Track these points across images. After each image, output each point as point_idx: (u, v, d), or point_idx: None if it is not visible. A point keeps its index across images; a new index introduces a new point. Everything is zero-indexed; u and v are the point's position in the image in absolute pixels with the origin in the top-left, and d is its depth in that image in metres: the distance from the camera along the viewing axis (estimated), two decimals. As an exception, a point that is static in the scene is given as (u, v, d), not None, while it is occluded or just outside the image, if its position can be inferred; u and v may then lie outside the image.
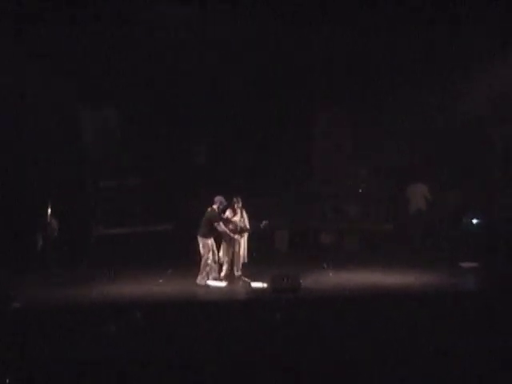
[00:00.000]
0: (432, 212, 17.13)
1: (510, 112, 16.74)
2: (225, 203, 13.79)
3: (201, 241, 13.62)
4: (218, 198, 13.72)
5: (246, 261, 14.10)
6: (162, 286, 13.60)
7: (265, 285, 13.16)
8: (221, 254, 13.92)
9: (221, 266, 13.91)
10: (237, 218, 13.93)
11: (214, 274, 13.72)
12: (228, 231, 13.72)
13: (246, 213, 14.08)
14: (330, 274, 14.48)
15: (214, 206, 13.71)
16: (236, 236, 13.83)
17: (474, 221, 16.78)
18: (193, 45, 16.24)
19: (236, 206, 13.90)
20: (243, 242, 14.06)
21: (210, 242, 13.64)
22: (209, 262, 13.58)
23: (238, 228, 13.87)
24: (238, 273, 14.01)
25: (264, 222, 14.33)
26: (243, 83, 16.90)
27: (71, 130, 16.87)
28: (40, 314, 11.05)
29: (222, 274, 13.88)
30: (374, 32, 16.17)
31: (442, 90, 17.09)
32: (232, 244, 13.88)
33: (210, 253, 13.61)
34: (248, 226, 13.99)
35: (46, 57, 15.73)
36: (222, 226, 13.66)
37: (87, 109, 17.36)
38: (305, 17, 15.89)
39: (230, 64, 16.64)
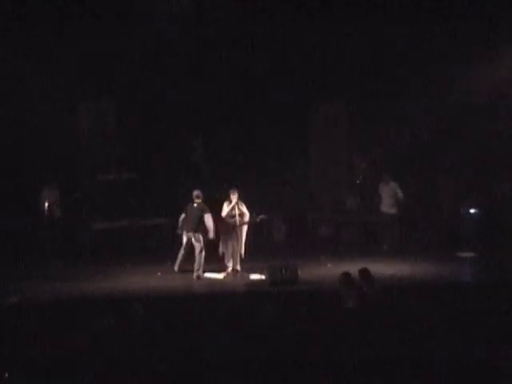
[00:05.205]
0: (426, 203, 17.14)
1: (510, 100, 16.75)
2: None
3: (193, 235, 13.64)
4: (198, 192, 13.76)
5: (242, 253, 14.08)
6: (160, 279, 13.63)
7: (263, 277, 13.18)
8: (220, 247, 13.94)
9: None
10: (234, 210, 13.90)
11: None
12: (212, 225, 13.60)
13: (244, 204, 14.06)
14: (328, 266, 14.49)
15: (199, 200, 13.71)
16: (244, 222, 13.81)
17: (472, 210, 16.75)
18: (191, 40, 16.24)
19: (232, 198, 13.88)
20: (243, 234, 14.05)
21: (202, 236, 13.69)
22: (203, 255, 13.61)
23: (238, 219, 13.85)
24: (236, 265, 14.01)
25: (261, 216, 14.29)
26: (241, 77, 16.91)
27: (68, 123, 16.84)
28: (38, 308, 11.05)
29: (228, 269, 13.89)
30: (371, 21, 16.10)
31: (441, 80, 17.02)
32: (231, 237, 13.86)
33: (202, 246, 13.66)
34: (247, 219, 13.99)
35: (45, 49, 15.74)
36: (211, 218, 13.65)
37: (85, 102, 17.35)
38: (302, 12, 15.92)
39: (227, 60, 16.67)
